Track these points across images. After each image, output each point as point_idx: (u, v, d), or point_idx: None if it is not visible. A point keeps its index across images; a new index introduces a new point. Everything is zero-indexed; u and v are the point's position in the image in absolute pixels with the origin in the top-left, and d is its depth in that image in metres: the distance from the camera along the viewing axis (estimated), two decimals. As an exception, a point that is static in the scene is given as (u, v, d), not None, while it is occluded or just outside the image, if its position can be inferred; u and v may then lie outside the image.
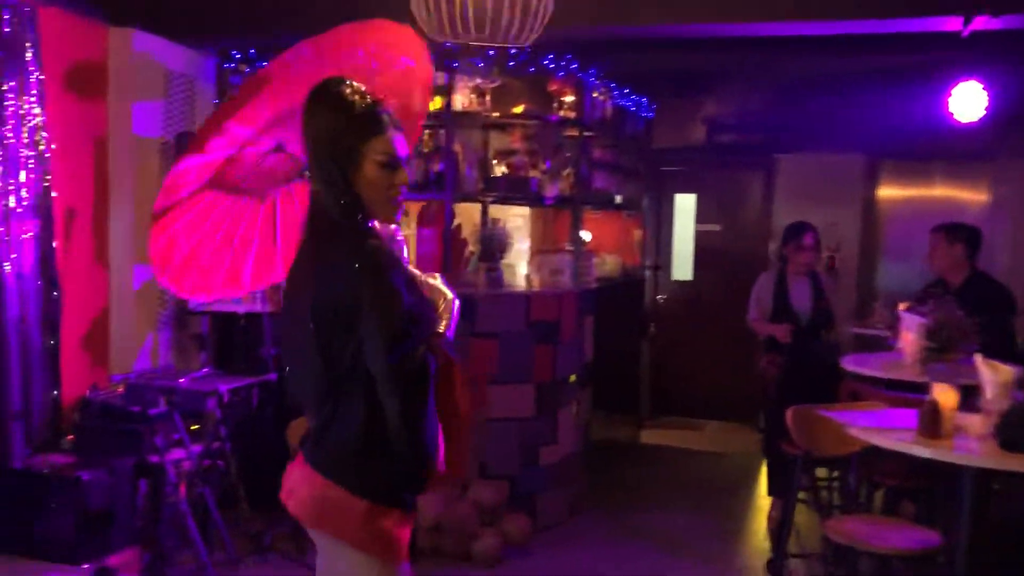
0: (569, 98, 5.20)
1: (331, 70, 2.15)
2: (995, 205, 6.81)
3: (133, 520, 4.09)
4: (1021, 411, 2.82)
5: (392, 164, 2.04)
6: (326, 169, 2.03)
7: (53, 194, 4.32)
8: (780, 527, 4.32)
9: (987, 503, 3.02)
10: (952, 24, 4.34)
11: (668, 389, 7.66)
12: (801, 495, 4.27)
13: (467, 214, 5.26)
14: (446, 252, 4.87)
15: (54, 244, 4.34)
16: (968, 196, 6.96)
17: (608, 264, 6.30)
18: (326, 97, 2.03)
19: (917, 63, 6.21)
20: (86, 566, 3.65)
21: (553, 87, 5.19)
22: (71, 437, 4.33)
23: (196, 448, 4.07)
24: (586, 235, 5.79)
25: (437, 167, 4.90)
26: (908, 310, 4.01)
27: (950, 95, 6.21)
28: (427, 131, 5.13)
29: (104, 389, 4.48)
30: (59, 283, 4.36)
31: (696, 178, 7.74)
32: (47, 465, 4.02)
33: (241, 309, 4.81)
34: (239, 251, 2.73)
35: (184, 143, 4.63)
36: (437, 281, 2.19)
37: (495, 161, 5.33)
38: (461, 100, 4.91)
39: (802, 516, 4.29)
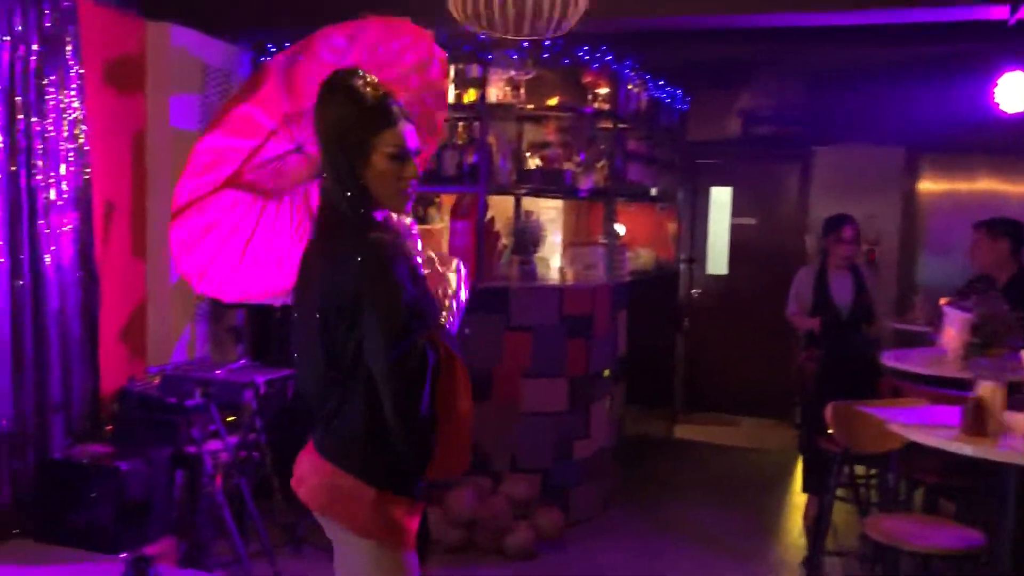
0: (603, 90, 5.17)
1: (347, 62, 2.17)
2: (1040, 199, 6.67)
3: (170, 510, 4.14)
4: (1069, 409, 2.76)
5: (402, 156, 2.05)
6: (335, 160, 2.04)
7: (92, 187, 4.37)
8: (817, 524, 4.28)
9: (1032, 502, 2.95)
10: (998, 12, 4.24)
11: (702, 384, 7.60)
12: (838, 492, 4.20)
13: (500, 207, 5.24)
14: (479, 245, 4.86)
15: (93, 237, 4.39)
16: (1012, 190, 6.81)
17: (642, 257, 6.26)
18: (338, 89, 2.04)
19: (961, 52, 6.08)
20: (124, 555, 3.69)
21: (587, 79, 5.15)
22: (110, 428, 4.39)
23: (232, 439, 4.10)
24: (620, 228, 5.75)
25: (471, 159, 4.90)
26: (951, 305, 3.93)
27: (995, 85, 6.07)
28: (461, 123, 5.13)
29: (142, 381, 4.53)
30: (98, 275, 4.41)
31: (731, 171, 7.66)
32: (86, 455, 4.07)
33: (277, 302, 4.83)
34: (260, 253, 2.70)
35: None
36: (451, 272, 2.18)
37: (529, 153, 5.31)
38: (495, 92, 4.90)
39: (838, 513, 4.23)
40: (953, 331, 3.81)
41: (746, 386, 7.45)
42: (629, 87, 5.39)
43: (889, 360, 4.14)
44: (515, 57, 4.83)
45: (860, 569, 4.12)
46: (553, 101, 5.12)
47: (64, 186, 4.21)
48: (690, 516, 5.13)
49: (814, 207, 7.10)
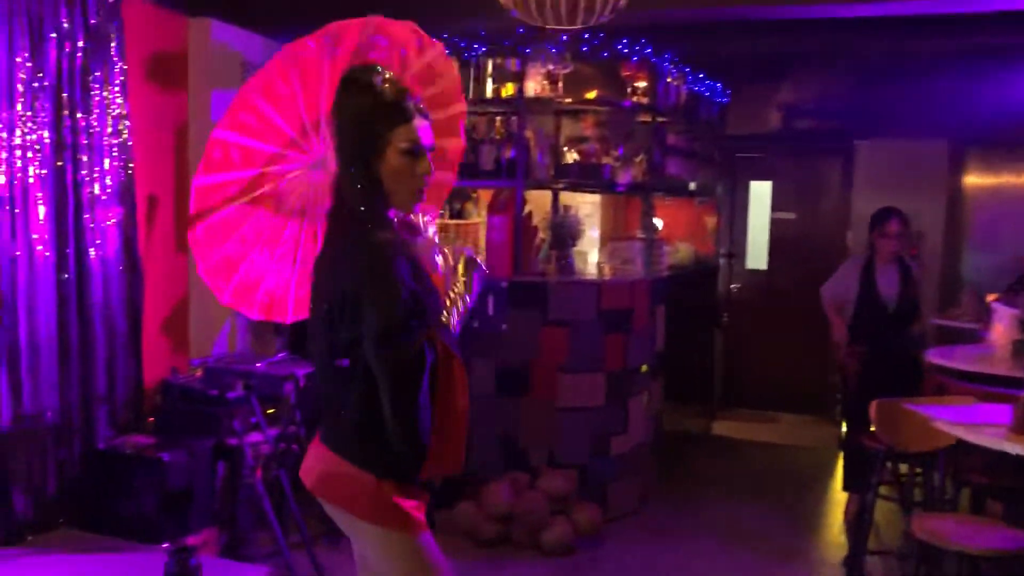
0: (642, 83, 5.12)
1: (358, 59, 2.18)
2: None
3: (211, 501, 4.19)
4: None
5: (416, 152, 2.06)
6: (349, 154, 2.06)
7: (136, 182, 4.43)
8: (858, 523, 4.22)
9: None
10: (1048, 2, 4.15)
11: (741, 380, 7.53)
12: (880, 490, 4.14)
13: (537, 201, 5.23)
14: (516, 240, 4.86)
15: (137, 231, 4.45)
16: (1061, 185, 6.67)
17: (681, 252, 6.22)
18: (356, 83, 2.06)
19: (1006, 44, 5.96)
20: (166, 545, 3.73)
21: (626, 72, 5.12)
22: (152, 419, 4.45)
23: (272, 432, 4.14)
24: (658, 223, 5.71)
25: (508, 154, 4.89)
26: (999, 301, 3.86)
27: (1042, 77, 5.94)
28: (499, 118, 5.12)
29: (184, 373, 4.59)
30: (141, 269, 4.47)
31: (771, 165, 7.57)
32: (130, 446, 4.13)
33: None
34: (282, 271, 2.66)
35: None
36: (460, 271, 2.17)
37: (566, 148, 5.29)
38: (533, 86, 4.88)
39: (880, 512, 4.17)
40: (1002, 327, 3.75)
41: (785, 382, 7.38)
42: (668, 80, 5.34)
43: (935, 357, 4.08)
44: (553, 51, 4.81)
45: (902, 569, 4.06)
46: (591, 95, 5.09)
47: (108, 181, 4.27)
48: (728, 513, 5.09)
49: (856, 202, 7.00)
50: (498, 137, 4.98)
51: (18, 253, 3.87)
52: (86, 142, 4.15)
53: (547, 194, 5.22)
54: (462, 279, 2.18)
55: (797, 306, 7.17)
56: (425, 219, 2.20)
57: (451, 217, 5.42)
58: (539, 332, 4.70)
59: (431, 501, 2.19)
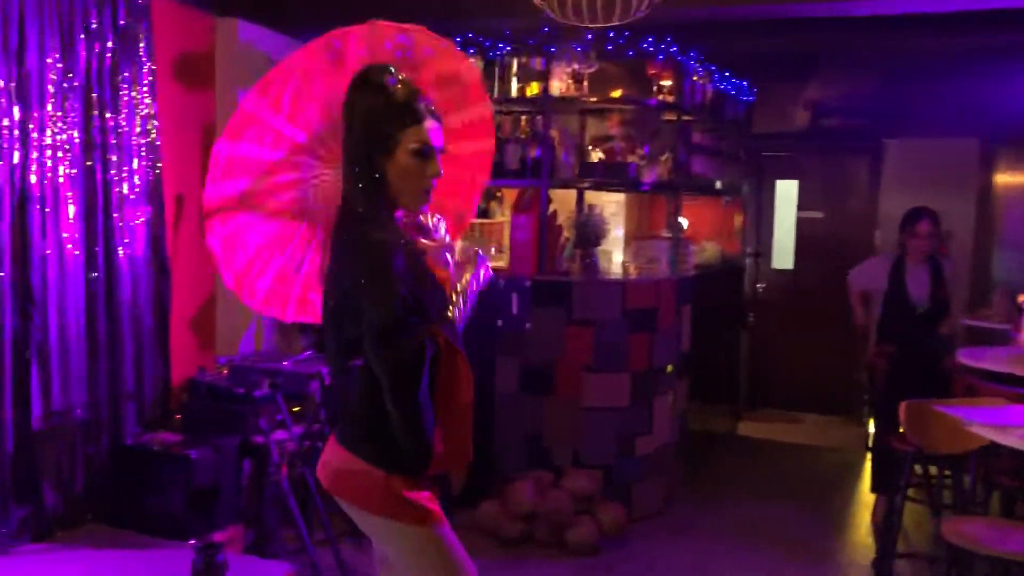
0: (668, 82, 5.10)
1: (366, 61, 2.18)
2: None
3: (237, 498, 4.22)
4: None
5: (426, 153, 2.07)
6: (356, 152, 2.07)
7: (163, 181, 4.47)
8: (886, 525, 4.17)
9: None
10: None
11: (767, 380, 7.48)
12: (908, 492, 4.10)
13: (562, 200, 5.21)
14: (541, 239, 4.85)
15: (164, 230, 4.49)
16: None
17: (707, 251, 6.18)
18: (368, 83, 2.07)
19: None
20: (192, 541, 3.76)
21: (652, 71, 5.09)
22: (179, 417, 4.49)
23: (298, 430, 4.16)
24: (683, 222, 5.68)
25: (533, 153, 4.88)
26: (1031, 301, 3.80)
27: (1076, 75, 5.85)
28: (523, 117, 5.12)
29: (211, 371, 4.62)
30: (169, 267, 4.51)
31: (798, 164, 7.51)
32: (157, 443, 4.17)
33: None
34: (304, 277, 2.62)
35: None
36: (467, 268, 2.17)
37: (591, 147, 5.28)
38: (558, 86, 4.87)
39: (908, 514, 4.12)
40: (1033, 328, 3.68)
41: (811, 382, 7.32)
42: (694, 79, 5.31)
43: (965, 358, 4.02)
44: (579, 50, 4.80)
45: (931, 572, 4.01)
46: (616, 94, 5.08)
47: (136, 180, 4.32)
48: (754, 514, 5.05)
49: (884, 201, 6.93)
50: (523, 136, 4.98)
51: (48, 252, 3.92)
52: (115, 142, 4.19)
53: (572, 193, 5.21)
54: (468, 277, 2.17)
55: (824, 306, 7.12)
56: (435, 219, 2.21)
57: (475, 216, 5.41)
58: (563, 331, 4.69)
59: (444, 497, 2.19)
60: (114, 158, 4.20)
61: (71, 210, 4.01)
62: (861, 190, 7.27)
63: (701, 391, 5.67)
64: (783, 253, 7.57)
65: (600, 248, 5.01)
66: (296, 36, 5.21)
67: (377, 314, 1.96)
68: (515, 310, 4.77)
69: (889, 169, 7.01)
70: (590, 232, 4.93)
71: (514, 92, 4.99)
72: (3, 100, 3.69)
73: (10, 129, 3.73)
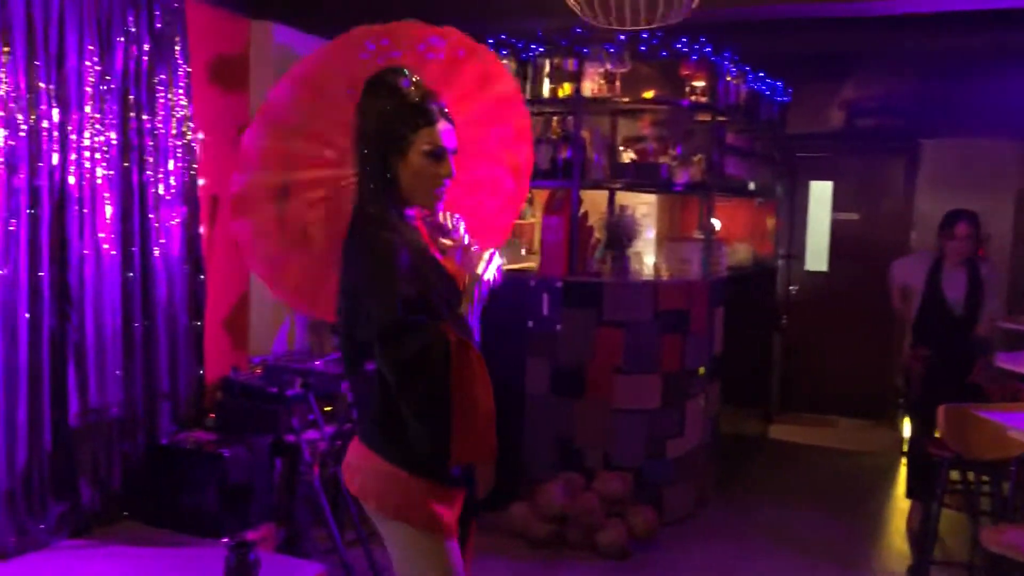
0: (701, 83, 5.06)
1: (379, 62, 2.20)
2: None
3: (270, 497, 4.25)
4: None
5: (438, 154, 2.09)
6: (368, 153, 2.09)
7: (199, 182, 4.51)
8: (922, 532, 4.11)
9: None
10: None
11: (799, 383, 7.41)
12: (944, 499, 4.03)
13: (593, 201, 5.20)
14: (572, 240, 4.84)
15: (199, 230, 4.53)
16: None
17: (740, 253, 6.13)
18: (382, 84, 2.09)
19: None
20: (225, 539, 3.80)
21: (685, 71, 5.06)
22: (213, 415, 4.53)
23: (329, 429, 4.18)
24: (716, 223, 5.64)
25: (565, 154, 4.87)
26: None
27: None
28: (555, 118, 5.11)
29: (245, 370, 4.66)
30: (204, 268, 4.55)
31: (833, 164, 7.44)
32: (191, 441, 4.21)
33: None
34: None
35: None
36: (480, 265, 2.16)
37: (623, 147, 5.26)
38: (590, 86, 4.86)
39: (943, 521, 4.06)
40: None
41: (844, 386, 7.24)
42: (728, 79, 5.27)
43: (1003, 362, 3.95)
44: (611, 50, 4.78)
45: (968, 580, 3.95)
46: (649, 94, 5.05)
47: (172, 181, 4.36)
48: (787, 518, 5.00)
49: (920, 202, 6.85)
50: (554, 137, 4.97)
51: (86, 252, 3.97)
52: (151, 143, 4.24)
53: (603, 194, 5.19)
54: (480, 275, 2.16)
55: (858, 309, 7.04)
56: (455, 218, 2.21)
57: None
58: (594, 333, 4.68)
59: (469, 503, 2.19)
60: (150, 159, 4.24)
61: (108, 211, 4.06)
62: (897, 191, 7.17)
63: (733, 394, 5.63)
64: (817, 255, 7.49)
65: (631, 249, 4.99)
66: (331, 38, 5.24)
67: (379, 314, 1.97)
68: (546, 311, 4.76)
69: (926, 170, 6.91)
70: (622, 233, 4.91)
71: (546, 93, 4.99)
72: (43, 102, 3.75)
73: (49, 131, 3.78)
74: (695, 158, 5.15)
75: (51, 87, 3.78)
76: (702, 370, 4.99)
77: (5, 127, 3.60)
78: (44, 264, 3.80)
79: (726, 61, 5.19)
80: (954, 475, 3.91)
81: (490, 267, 2.17)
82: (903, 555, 4.48)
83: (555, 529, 4.44)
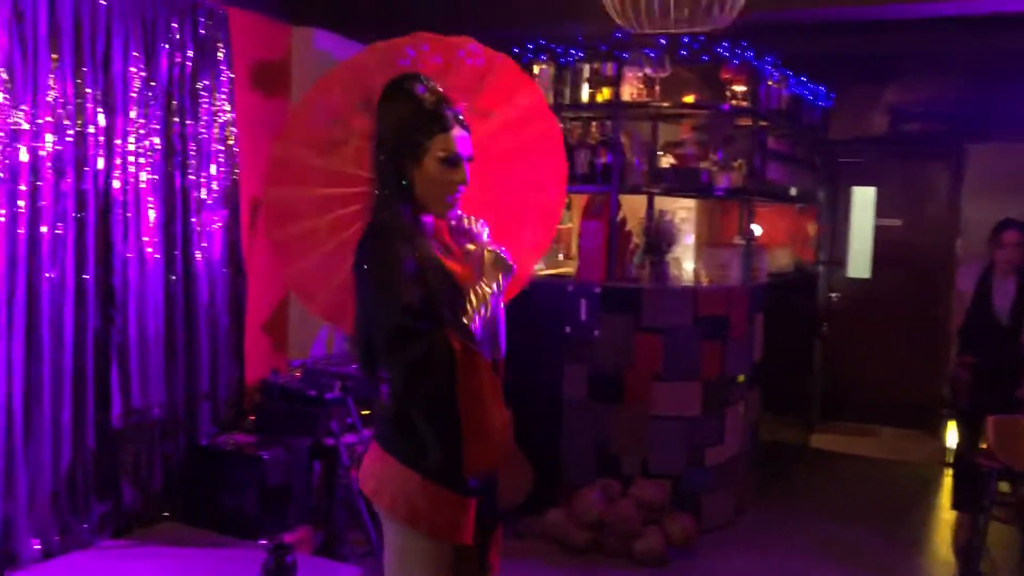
0: (742, 87, 5.01)
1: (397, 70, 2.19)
2: None
3: (308, 499, 4.27)
4: None
5: (452, 161, 2.09)
6: (384, 159, 2.09)
7: (240, 187, 4.56)
8: (969, 544, 4.03)
9: None
10: None
11: (841, 391, 7.28)
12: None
13: (631, 206, 5.17)
14: (611, 245, 4.81)
15: (240, 234, 4.57)
16: None
17: (780, 259, 6.06)
18: (398, 91, 2.10)
19: None
20: (263, 541, 3.83)
21: (726, 75, 5.01)
22: (252, 418, 4.57)
23: (367, 433, 4.19)
24: (756, 229, 5.57)
25: (603, 159, 4.85)
26: None
27: None
28: (594, 122, 5.09)
29: (284, 373, 4.69)
30: (245, 271, 4.60)
31: (876, 170, 7.31)
32: (231, 443, 4.25)
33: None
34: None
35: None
36: (490, 273, 2.14)
37: (662, 152, 5.21)
38: (629, 91, 4.83)
39: (992, 534, 3.97)
40: None
41: (888, 395, 7.10)
42: (769, 83, 5.22)
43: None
44: (651, 55, 4.75)
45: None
46: (689, 99, 5.01)
47: (214, 186, 4.41)
48: (827, 528, 4.92)
49: (966, 208, 6.70)
50: (593, 142, 4.95)
51: (129, 255, 4.03)
52: (194, 148, 4.29)
53: (642, 199, 5.16)
54: (493, 283, 2.14)
55: (901, 316, 6.91)
56: (479, 223, 2.20)
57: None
58: (633, 339, 4.65)
59: (490, 512, 2.17)
60: (193, 164, 4.29)
61: (151, 215, 4.12)
62: (942, 197, 7.03)
63: (773, 401, 5.56)
64: (859, 261, 7.37)
65: (670, 255, 4.95)
66: (370, 44, 5.27)
67: (383, 320, 1.99)
68: (584, 316, 4.74)
69: (972, 175, 6.77)
70: (661, 238, 4.87)
71: (585, 98, 4.97)
72: (89, 107, 3.81)
73: (95, 136, 3.84)
74: (736, 163, 5.10)
75: (97, 93, 3.84)
76: (742, 377, 4.93)
77: (53, 132, 3.67)
78: (89, 267, 3.87)
79: (767, 65, 5.13)
80: (1002, 486, 3.82)
81: (502, 276, 2.15)
82: (948, 568, 4.39)
83: (592, 536, 4.41)
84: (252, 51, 4.75)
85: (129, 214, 4.02)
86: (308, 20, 5.00)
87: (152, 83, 4.07)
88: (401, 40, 2.42)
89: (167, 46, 4.13)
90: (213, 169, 4.40)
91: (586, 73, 4.97)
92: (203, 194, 4.36)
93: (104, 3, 3.82)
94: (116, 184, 3.95)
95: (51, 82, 3.65)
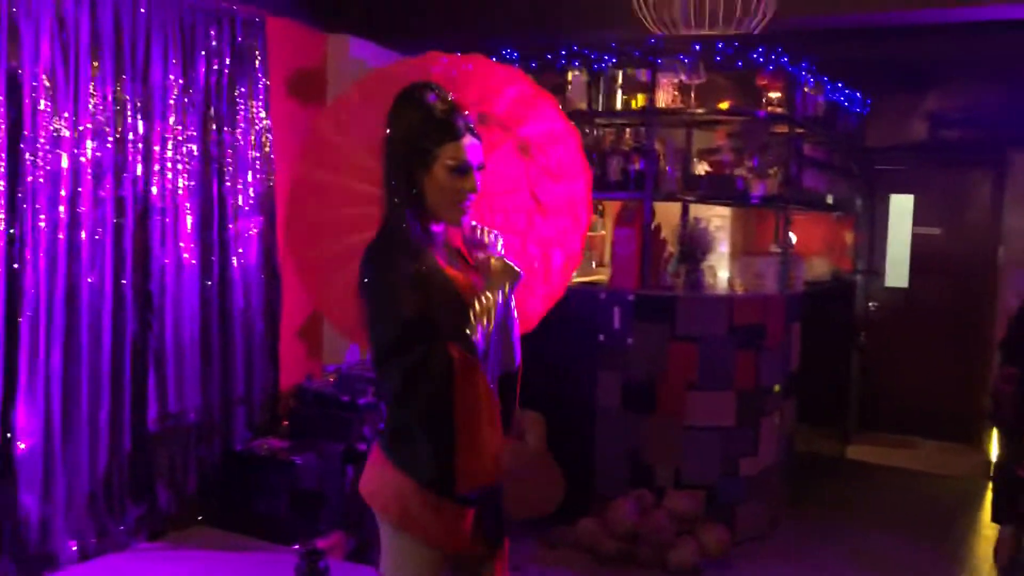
0: (777, 93, 4.96)
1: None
2: None
3: (340, 504, 4.28)
4: None
5: (462, 169, 2.08)
6: (394, 168, 2.09)
7: (276, 193, 4.59)
8: (1012, 560, 3.94)
9: None
10: None
11: (878, 403, 7.18)
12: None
13: (665, 214, 5.14)
14: (644, 253, 4.78)
15: (276, 240, 4.61)
16: None
17: (816, 268, 5.99)
18: (410, 99, 2.09)
19: None
20: (296, 546, 3.84)
21: (761, 82, 4.97)
22: (286, 423, 4.59)
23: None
24: (792, 237, 5.52)
25: (637, 165, 4.82)
26: None
27: None
28: (628, 129, 5.07)
29: (318, 378, 4.72)
30: (280, 276, 4.63)
31: (914, 177, 7.21)
32: (265, 448, 4.28)
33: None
34: None
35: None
36: (495, 284, 2.11)
37: (697, 159, 5.18)
38: (664, 97, 4.81)
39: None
40: None
41: (927, 406, 6.98)
42: (805, 90, 5.16)
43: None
44: (686, 61, 4.72)
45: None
46: (724, 105, 4.98)
47: (251, 192, 4.45)
48: (864, 541, 4.84)
49: (1008, 216, 6.58)
50: (626, 148, 4.93)
51: (167, 261, 4.08)
52: (231, 155, 4.33)
53: (676, 206, 5.13)
54: (497, 287, 2.12)
55: (940, 326, 6.80)
56: (492, 234, 2.19)
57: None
58: (667, 347, 4.61)
59: (495, 522, 2.15)
60: (230, 171, 4.34)
61: (188, 221, 4.17)
62: (983, 205, 6.92)
63: (809, 412, 5.48)
64: (897, 270, 7.26)
65: (705, 263, 4.91)
66: (406, 52, 5.30)
67: (380, 332, 2.00)
68: (617, 324, 4.71)
69: (1014, 183, 6.65)
70: (695, 246, 4.84)
71: (618, 104, 4.95)
72: (129, 114, 3.86)
73: (135, 143, 3.90)
74: (771, 170, 5.05)
75: (136, 100, 3.90)
76: (777, 387, 4.87)
77: (93, 138, 3.73)
78: (127, 272, 3.92)
79: (803, 71, 5.08)
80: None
81: (507, 288, 2.13)
82: (989, 583, 4.30)
83: (624, 546, 4.37)
84: (288, 59, 4.79)
85: (167, 220, 4.07)
86: (344, 28, 5.03)
87: (190, 90, 4.12)
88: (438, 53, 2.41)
89: (205, 54, 4.18)
90: (249, 176, 4.44)
91: (619, 79, 4.95)
92: (240, 201, 4.40)
93: (144, 11, 3.87)
94: (154, 190, 4.00)
95: (92, 89, 3.71)
